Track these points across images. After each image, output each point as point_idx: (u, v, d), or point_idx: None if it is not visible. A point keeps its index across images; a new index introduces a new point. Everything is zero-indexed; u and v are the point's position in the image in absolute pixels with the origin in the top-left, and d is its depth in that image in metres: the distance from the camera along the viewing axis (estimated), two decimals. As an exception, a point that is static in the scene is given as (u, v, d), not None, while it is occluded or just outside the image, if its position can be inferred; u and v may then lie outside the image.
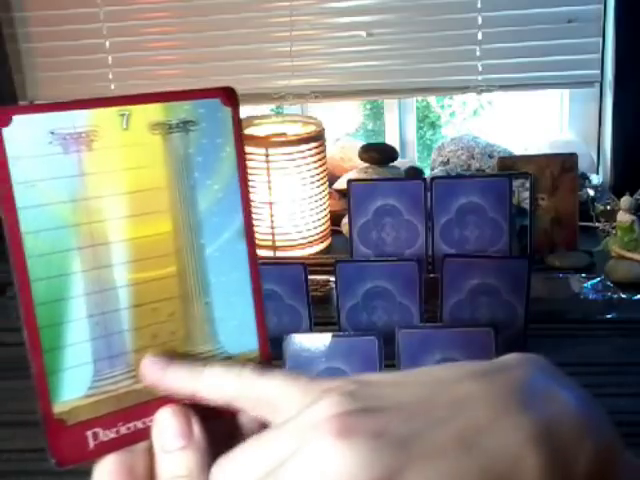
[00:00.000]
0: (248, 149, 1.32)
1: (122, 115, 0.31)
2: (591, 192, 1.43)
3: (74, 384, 0.31)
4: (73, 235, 0.31)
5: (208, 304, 0.34)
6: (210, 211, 0.33)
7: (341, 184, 1.51)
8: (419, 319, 1.09)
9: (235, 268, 0.34)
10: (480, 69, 1.50)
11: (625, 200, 1.33)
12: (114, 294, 0.32)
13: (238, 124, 0.34)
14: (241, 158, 0.34)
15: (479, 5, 1.47)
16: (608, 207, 1.38)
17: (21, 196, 0.29)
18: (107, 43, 1.59)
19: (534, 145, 1.58)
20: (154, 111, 0.32)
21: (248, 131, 1.35)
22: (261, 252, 1.36)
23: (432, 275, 1.19)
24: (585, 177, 1.47)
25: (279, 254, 1.34)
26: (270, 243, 1.34)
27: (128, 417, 0.32)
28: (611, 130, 1.45)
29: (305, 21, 1.53)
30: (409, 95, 1.60)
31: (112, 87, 1.62)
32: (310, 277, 1.12)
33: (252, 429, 0.33)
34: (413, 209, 1.22)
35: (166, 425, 0.32)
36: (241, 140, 0.34)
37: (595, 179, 1.51)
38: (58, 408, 0.31)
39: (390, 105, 1.68)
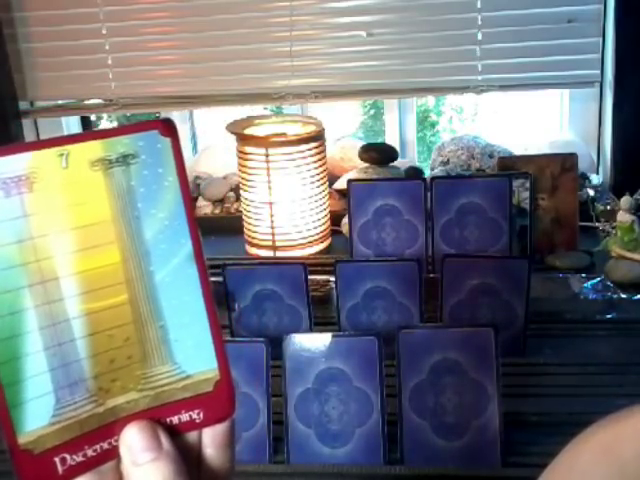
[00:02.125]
0: (248, 149, 1.32)
1: (61, 155, 0.32)
2: (591, 192, 1.43)
3: (37, 414, 0.32)
4: (22, 274, 0.32)
5: (162, 327, 0.35)
6: (157, 239, 0.34)
7: (341, 184, 1.51)
8: (419, 319, 1.09)
9: (187, 291, 0.35)
10: (480, 69, 1.50)
11: (625, 200, 1.33)
12: (68, 325, 0.33)
13: (178, 153, 0.34)
14: (184, 185, 0.34)
15: (479, 5, 1.47)
16: (608, 207, 1.38)
17: None
18: (107, 43, 1.59)
19: (534, 145, 1.58)
20: (93, 148, 0.33)
21: (248, 131, 1.35)
22: (261, 252, 1.36)
23: (432, 275, 1.19)
24: (585, 177, 1.47)
25: (279, 254, 1.34)
26: (270, 243, 1.34)
27: (93, 439, 0.33)
28: (611, 130, 1.45)
29: (305, 21, 1.53)
30: (409, 95, 1.60)
31: (112, 87, 1.62)
32: (310, 277, 1.12)
33: (213, 442, 0.35)
34: (413, 209, 1.22)
35: (135, 440, 0.33)
36: (183, 168, 0.34)
37: (595, 179, 1.51)
38: (23, 439, 0.32)
39: (390, 105, 1.68)
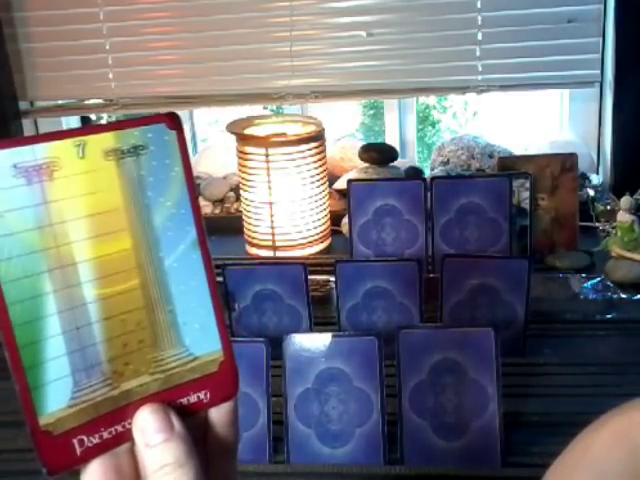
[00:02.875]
0: (248, 149, 1.32)
1: (78, 145, 0.34)
2: (591, 192, 1.43)
3: (56, 396, 0.34)
4: (42, 259, 0.33)
5: (171, 311, 0.36)
6: (165, 226, 0.36)
7: (341, 184, 1.51)
8: (419, 319, 1.09)
9: (193, 276, 0.37)
10: (480, 69, 1.50)
11: (625, 200, 1.32)
12: (85, 310, 0.34)
13: (183, 145, 0.36)
14: (189, 176, 0.37)
15: (479, 5, 1.47)
16: (608, 207, 1.38)
17: None
18: (107, 43, 1.59)
19: (534, 145, 1.58)
20: (106, 139, 0.35)
21: (248, 131, 1.35)
22: (261, 252, 1.36)
23: (432, 275, 1.19)
24: (585, 177, 1.47)
25: (279, 254, 1.34)
26: (270, 243, 1.34)
27: (109, 422, 0.35)
28: (611, 130, 1.45)
29: (305, 21, 1.53)
30: (409, 95, 1.60)
31: (112, 87, 1.62)
32: (310, 277, 1.12)
33: (219, 421, 0.37)
34: (413, 209, 1.22)
35: (147, 423, 0.34)
36: (187, 159, 0.37)
37: (595, 179, 1.51)
38: (44, 420, 0.34)
39: (390, 105, 1.68)
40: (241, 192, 1.39)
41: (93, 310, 0.34)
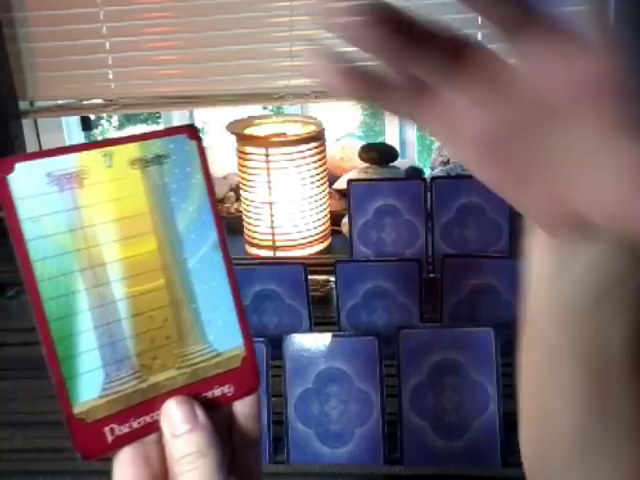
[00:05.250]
0: (248, 149, 1.32)
1: (105, 155, 0.37)
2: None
3: (89, 387, 0.37)
4: (74, 259, 0.37)
5: (195, 309, 0.39)
6: (188, 229, 0.39)
7: (341, 184, 1.51)
8: (419, 319, 1.09)
9: (215, 276, 0.40)
10: (480, 69, 1.50)
11: (625, 200, 1.32)
12: (114, 307, 0.37)
13: (203, 154, 0.39)
14: (209, 183, 0.40)
15: (479, 5, 1.47)
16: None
17: (28, 230, 0.36)
18: (107, 43, 1.59)
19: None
20: (132, 149, 0.38)
21: (248, 131, 1.35)
22: (261, 252, 1.36)
23: (432, 275, 1.19)
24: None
25: (279, 254, 1.34)
26: (270, 243, 1.34)
27: (138, 413, 0.37)
28: (611, 130, 1.45)
29: (305, 21, 1.53)
30: (409, 95, 1.60)
31: (112, 87, 1.62)
32: (310, 277, 1.12)
33: (242, 414, 0.39)
34: (413, 209, 1.22)
35: (173, 414, 0.37)
36: (207, 167, 0.39)
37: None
38: (78, 409, 0.37)
39: (390, 105, 1.68)
40: (241, 192, 1.39)
41: (122, 307, 0.37)
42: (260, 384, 0.40)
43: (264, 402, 0.90)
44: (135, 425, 0.37)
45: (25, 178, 0.36)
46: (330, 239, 1.40)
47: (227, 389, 0.39)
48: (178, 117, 1.74)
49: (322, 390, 0.90)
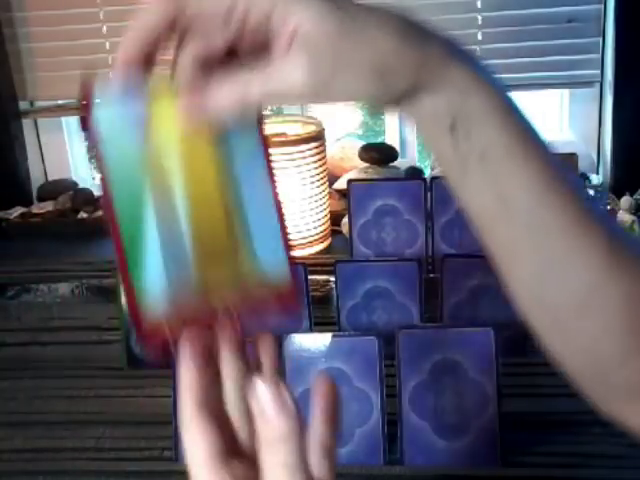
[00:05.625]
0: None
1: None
2: (591, 192, 1.43)
3: (154, 291, 0.42)
4: (147, 182, 0.42)
5: (249, 238, 0.45)
6: (245, 170, 0.45)
7: (341, 184, 1.51)
8: (419, 319, 1.09)
9: (267, 213, 0.46)
10: (480, 69, 1.50)
11: (625, 200, 1.32)
12: (178, 226, 0.43)
13: (261, 127, 0.48)
14: (261, 131, 0.48)
15: (479, 5, 1.47)
16: (608, 207, 1.38)
17: (107, 154, 0.42)
18: (107, 43, 1.59)
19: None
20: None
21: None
22: (261, 252, 1.36)
23: (432, 275, 1.19)
24: (585, 177, 1.47)
25: (279, 254, 1.34)
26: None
27: (195, 321, 0.43)
28: (611, 130, 1.45)
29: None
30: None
31: (112, 87, 1.62)
32: (310, 277, 1.12)
33: (321, 415, 0.44)
34: (413, 209, 1.22)
35: (262, 395, 0.39)
36: (261, 119, 0.49)
37: (595, 179, 1.51)
38: (144, 309, 0.42)
39: (390, 105, 1.67)
40: (241, 192, 1.38)
41: (185, 227, 0.43)
42: (302, 307, 0.49)
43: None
44: (195, 331, 0.43)
45: (108, 117, 0.43)
46: (330, 239, 1.40)
47: (272, 308, 0.44)
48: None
49: (322, 390, 0.90)
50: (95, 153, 0.43)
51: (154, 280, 0.42)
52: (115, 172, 0.42)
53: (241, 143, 0.46)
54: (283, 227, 0.46)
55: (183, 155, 0.43)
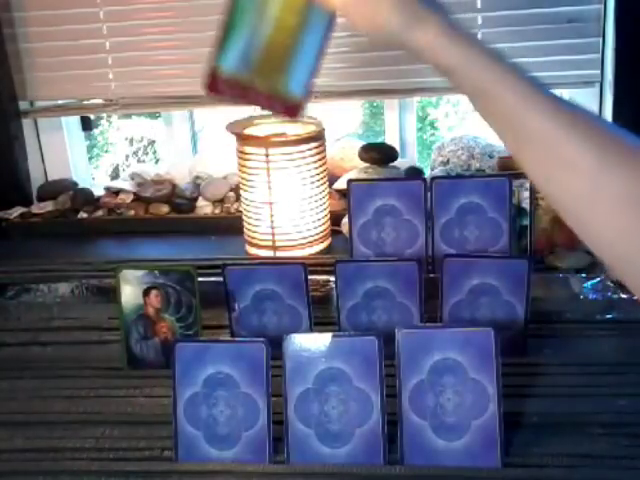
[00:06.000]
0: (248, 149, 1.31)
1: None
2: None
3: (230, 60, 0.67)
4: None
5: (294, 64, 0.66)
6: (312, 16, 0.66)
7: (341, 184, 1.51)
8: (419, 319, 1.09)
9: (315, 50, 0.67)
10: (480, 69, 1.50)
11: (625, 200, 1.32)
12: (264, 28, 0.66)
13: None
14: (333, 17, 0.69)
15: (479, 5, 1.47)
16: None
17: None
18: (107, 43, 1.59)
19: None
20: None
21: (248, 131, 1.35)
22: (261, 252, 1.36)
23: (432, 275, 1.19)
24: (585, 177, 1.47)
25: (279, 254, 1.34)
26: (270, 243, 1.34)
27: (244, 93, 0.68)
28: (611, 130, 1.45)
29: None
30: (409, 95, 1.60)
31: (112, 87, 1.62)
32: (310, 277, 1.12)
33: None
34: (413, 209, 1.22)
35: None
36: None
37: (595, 179, 1.51)
38: (218, 66, 0.67)
39: (390, 105, 1.67)
40: (241, 192, 1.39)
41: (262, 41, 0.66)
42: (299, 117, 0.70)
43: (264, 402, 0.90)
44: (240, 94, 0.68)
45: None
46: (330, 239, 1.40)
47: (282, 108, 0.68)
48: (178, 117, 1.74)
49: (322, 390, 0.90)
50: None
51: (231, 55, 0.66)
52: None
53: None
54: (318, 66, 0.67)
55: None
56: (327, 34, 0.67)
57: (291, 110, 0.68)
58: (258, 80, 0.66)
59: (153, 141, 3.02)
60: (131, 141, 3.08)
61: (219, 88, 0.67)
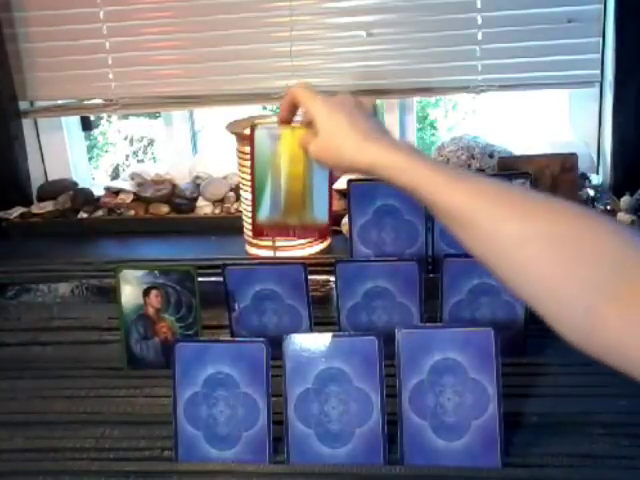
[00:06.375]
0: (248, 149, 1.31)
1: (293, 129, 0.84)
2: (591, 192, 1.43)
3: (263, 212, 0.86)
4: (270, 166, 0.86)
5: (311, 198, 0.87)
6: (315, 168, 0.84)
7: (341, 184, 1.51)
8: (419, 319, 1.09)
9: (323, 186, 0.86)
10: (480, 69, 1.50)
11: (625, 200, 1.32)
12: (279, 186, 0.86)
13: None
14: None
15: (479, 5, 1.47)
16: (608, 207, 1.38)
17: (257, 153, 0.88)
18: (107, 43, 1.59)
19: (535, 145, 1.58)
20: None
21: (248, 131, 1.35)
22: (261, 252, 1.36)
23: (432, 275, 1.19)
24: (585, 177, 1.47)
25: (279, 254, 1.34)
26: (270, 243, 1.34)
27: (278, 232, 0.92)
28: (611, 130, 1.45)
29: (305, 21, 1.53)
30: (409, 95, 1.60)
31: (112, 87, 1.62)
32: (310, 277, 1.12)
33: None
34: (413, 209, 1.22)
35: None
36: None
37: (595, 179, 1.51)
38: (258, 219, 0.87)
39: (390, 105, 1.68)
40: (241, 192, 1.38)
41: (283, 186, 0.85)
42: (329, 238, 1.21)
43: (264, 402, 0.90)
44: (279, 233, 0.94)
45: (260, 132, 0.87)
46: (330, 239, 1.40)
47: (314, 234, 0.93)
48: (178, 117, 1.74)
49: (322, 390, 0.90)
50: (251, 147, 0.87)
51: (264, 208, 0.86)
52: (257, 156, 0.86)
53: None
54: (330, 196, 0.86)
55: (289, 154, 0.84)
56: (329, 170, 0.85)
57: (322, 233, 0.90)
58: (289, 219, 0.86)
59: (152, 140, 3.02)
60: (131, 141, 3.08)
61: (263, 233, 0.89)
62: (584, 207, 0.56)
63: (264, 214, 0.87)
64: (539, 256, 0.54)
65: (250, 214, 0.88)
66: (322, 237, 0.98)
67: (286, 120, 0.84)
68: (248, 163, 1.41)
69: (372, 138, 0.72)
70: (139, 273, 1.12)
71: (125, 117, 2.97)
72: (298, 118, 0.85)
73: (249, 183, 0.91)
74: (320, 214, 0.86)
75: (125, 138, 3.07)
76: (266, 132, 0.86)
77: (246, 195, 1.36)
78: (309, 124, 0.79)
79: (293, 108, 0.83)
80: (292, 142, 0.84)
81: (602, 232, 0.53)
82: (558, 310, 0.56)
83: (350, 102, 0.78)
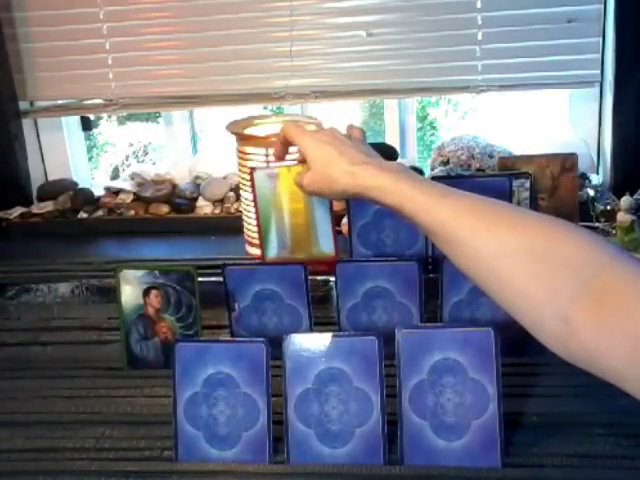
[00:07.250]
0: (248, 149, 1.32)
1: (288, 168, 0.90)
2: (591, 192, 1.43)
3: (271, 250, 0.94)
4: (272, 205, 0.92)
5: (315, 231, 0.92)
6: (317, 204, 0.91)
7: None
8: (419, 319, 1.09)
9: (325, 221, 0.91)
10: (480, 69, 1.50)
11: (625, 200, 1.32)
12: (284, 224, 0.92)
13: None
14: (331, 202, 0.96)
15: (479, 5, 1.47)
16: (608, 207, 1.38)
17: (258, 193, 0.93)
18: (107, 43, 1.59)
19: (535, 145, 1.58)
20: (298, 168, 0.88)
21: (248, 131, 1.35)
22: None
23: (432, 275, 1.19)
24: (585, 177, 1.47)
25: (279, 254, 1.34)
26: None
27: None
28: (611, 130, 1.45)
29: (305, 21, 1.53)
30: (409, 95, 1.60)
31: (112, 87, 1.62)
32: (310, 277, 1.12)
33: None
34: (413, 209, 1.22)
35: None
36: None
37: (595, 179, 1.51)
38: (267, 258, 0.95)
39: (390, 105, 1.68)
40: (241, 192, 1.39)
41: (287, 224, 0.91)
42: (335, 269, 1.06)
43: (264, 402, 0.90)
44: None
45: (259, 174, 0.91)
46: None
47: (321, 266, 1.10)
48: (178, 117, 1.74)
49: (322, 390, 0.90)
50: (253, 189, 0.92)
51: (272, 247, 0.92)
52: (259, 197, 0.91)
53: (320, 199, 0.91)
54: (333, 228, 0.91)
55: (288, 191, 0.89)
56: (329, 203, 0.90)
57: (330, 264, 1.01)
58: (297, 254, 0.92)
59: (149, 143, 3.02)
60: (131, 142, 3.08)
61: None
62: (559, 219, 0.60)
63: (272, 252, 0.92)
64: (517, 269, 0.59)
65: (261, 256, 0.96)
66: (330, 267, 1.02)
67: (280, 156, 0.89)
68: (248, 163, 1.42)
69: (359, 163, 0.75)
70: (139, 273, 1.13)
71: (123, 122, 2.97)
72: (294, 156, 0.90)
73: (254, 215, 0.98)
74: (326, 246, 0.91)
75: (127, 144, 3.07)
76: (265, 173, 0.90)
77: (245, 195, 1.37)
78: (303, 160, 0.82)
79: (285, 145, 0.87)
80: (290, 180, 0.87)
81: (575, 243, 0.56)
82: (536, 320, 0.61)
83: (337, 133, 0.82)
